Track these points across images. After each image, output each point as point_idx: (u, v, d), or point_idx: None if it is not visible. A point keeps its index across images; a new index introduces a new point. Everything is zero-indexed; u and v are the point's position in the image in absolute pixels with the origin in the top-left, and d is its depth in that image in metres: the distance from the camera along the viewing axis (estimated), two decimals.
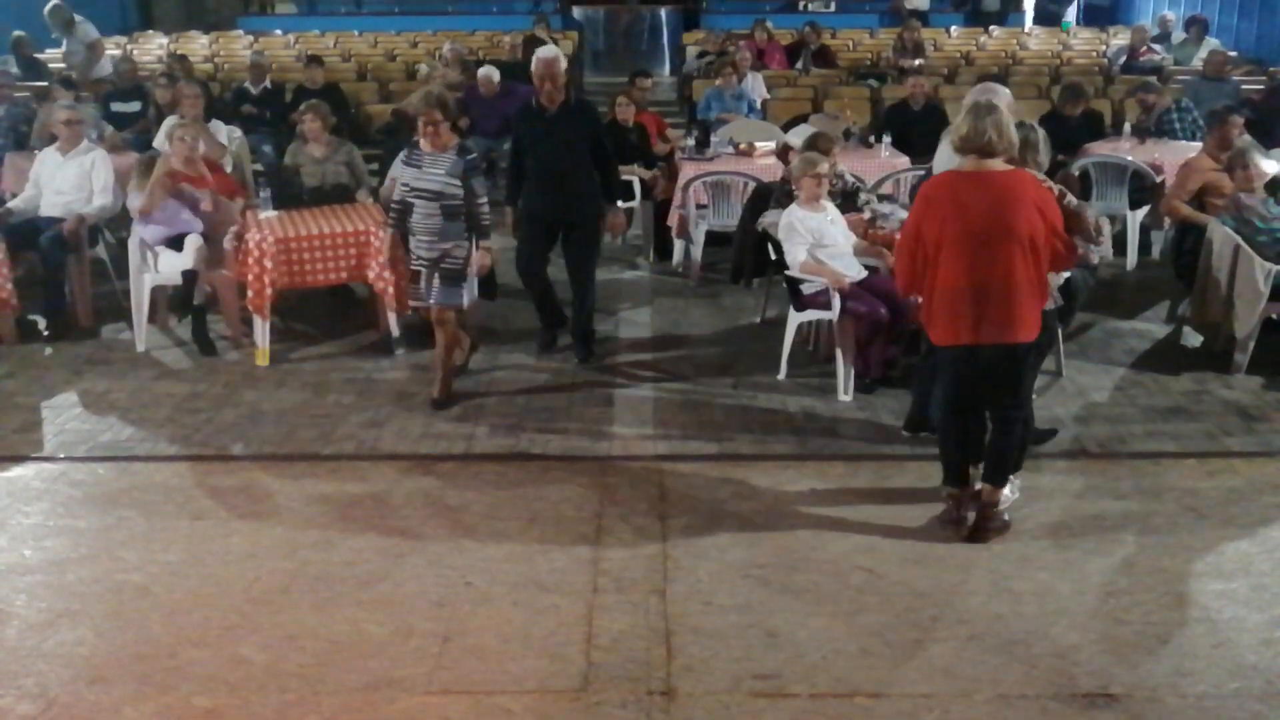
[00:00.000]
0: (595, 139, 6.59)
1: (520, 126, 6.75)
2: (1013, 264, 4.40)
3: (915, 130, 9.20)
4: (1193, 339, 6.93)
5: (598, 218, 6.68)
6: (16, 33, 13.15)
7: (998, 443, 4.71)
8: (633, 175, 8.97)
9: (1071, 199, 4.80)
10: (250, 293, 6.70)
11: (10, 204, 7.72)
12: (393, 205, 6.19)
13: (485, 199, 6.01)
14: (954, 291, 4.48)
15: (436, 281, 5.98)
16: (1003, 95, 5.05)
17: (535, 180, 6.60)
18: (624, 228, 6.96)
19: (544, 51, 6.56)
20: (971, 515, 4.74)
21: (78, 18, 13.12)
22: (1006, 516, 4.78)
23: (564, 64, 6.58)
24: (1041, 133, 4.90)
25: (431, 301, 6.02)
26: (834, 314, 6.11)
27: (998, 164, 4.45)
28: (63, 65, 13.06)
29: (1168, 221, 8.06)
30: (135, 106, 10.42)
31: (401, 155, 6.27)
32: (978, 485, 4.76)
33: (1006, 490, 4.90)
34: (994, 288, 4.43)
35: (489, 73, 11.01)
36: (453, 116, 6.18)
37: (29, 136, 9.70)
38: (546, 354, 6.87)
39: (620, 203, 9.04)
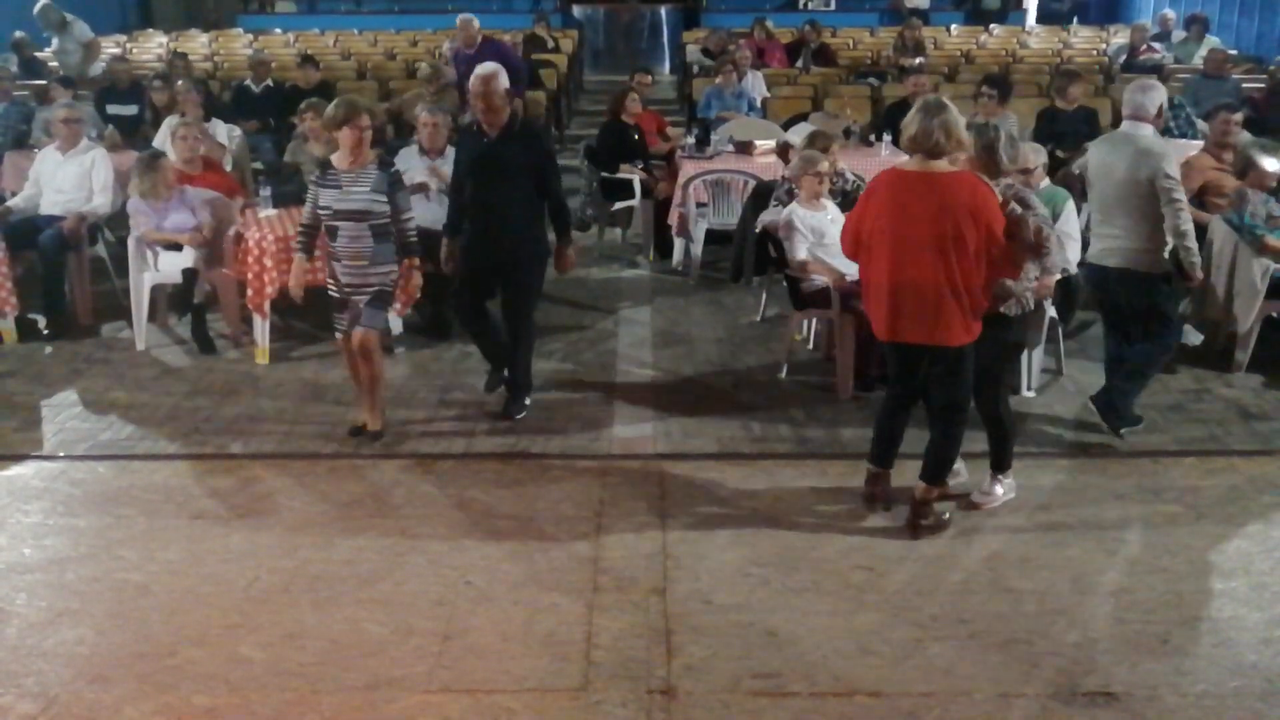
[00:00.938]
0: (540, 169, 5.69)
1: (459, 150, 6.04)
2: (935, 267, 4.38)
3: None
4: (1193, 337, 6.93)
5: (540, 260, 5.85)
6: (17, 33, 13.15)
7: (932, 442, 4.73)
8: (634, 174, 8.98)
9: (1016, 207, 4.50)
10: (250, 291, 6.70)
11: (10, 203, 7.72)
12: (302, 226, 5.62)
13: (412, 214, 5.57)
14: (877, 287, 4.59)
15: (364, 305, 5.47)
16: (1156, 93, 5.52)
17: (472, 214, 5.81)
18: (572, 266, 6.03)
19: (481, 67, 5.64)
20: (881, 499, 4.94)
21: (69, 17, 13.12)
22: (946, 516, 4.79)
23: (504, 81, 5.63)
24: (1005, 134, 4.67)
25: (360, 327, 5.48)
26: (834, 312, 6.11)
27: (942, 165, 4.41)
28: (56, 65, 13.06)
29: None
30: (132, 109, 10.40)
31: (313, 176, 5.56)
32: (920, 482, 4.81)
33: (999, 489, 4.94)
34: (912, 289, 4.45)
35: (466, 20, 10.46)
36: (379, 124, 5.70)
37: (28, 135, 9.71)
38: (494, 393, 6.17)
39: (619, 202, 9.16)
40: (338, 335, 5.67)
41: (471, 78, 5.63)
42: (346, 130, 5.35)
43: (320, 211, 5.45)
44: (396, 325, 6.97)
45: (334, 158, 5.46)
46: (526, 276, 5.79)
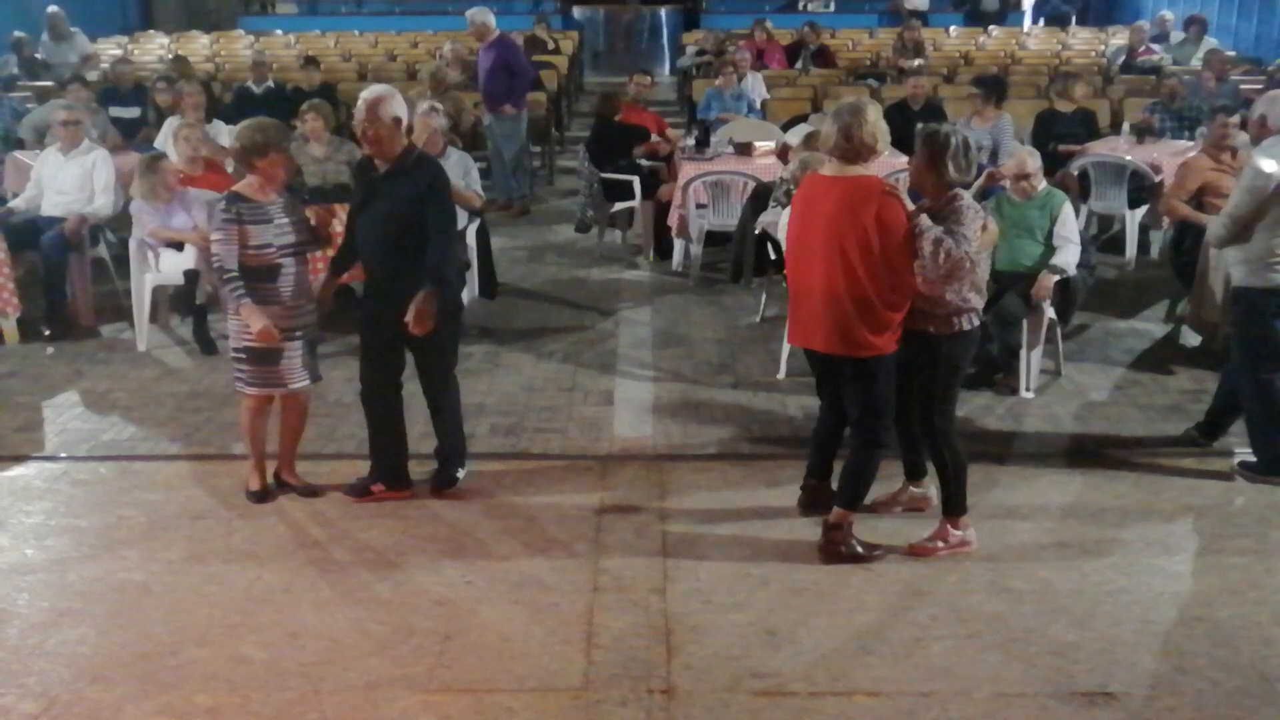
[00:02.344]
0: (420, 200, 4.76)
1: (353, 188, 5.35)
2: (832, 273, 4.26)
3: (914, 130, 9.19)
4: (1191, 338, 6.94)
5: (444, 313, 4.87)
6: (17, 33, 13.18)
7: (848, 462, 4.56)
8: (638, 172, 9.02)
9: (921, 220, 4.22)
10: None
11: (12, 204, 7.74)
12: (235, 278, 4.74)
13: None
14: (789, 292, 4.58)
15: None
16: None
17: (363, 265, 5.02)
18: (424, 319, 4.74)
19: (367, 91, 4.80)
20: (814, 508, 4.76)
21: (73, 29, 13.21)
22: (857, 547, 4.50)
23: (393, 107, 4.72)
24: (961, 140, 4.34)
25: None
26: None
27: (853, 170, 4.28)
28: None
29: (1166, 221, 8.08)
30: (135, 112, 10.41)
31: (228, 213, 4.75)
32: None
33: (949, 538, 4.55)
34: (810, 294, 4.39)
35: (476, 14, 10.29)
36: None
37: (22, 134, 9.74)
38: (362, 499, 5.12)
39: (619, 203, 9.18)
40: (253, 391, 4.94)
41: (358, 103, 4.82)
42: (276, 156, 4.81)
43: (259, 252, 4.76)
44: None
45: (249, 190, 4.82)
46: (428, 335, 4.83)
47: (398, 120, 4.75)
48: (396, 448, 5.11)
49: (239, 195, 4.80)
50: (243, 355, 4.90)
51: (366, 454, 5.54)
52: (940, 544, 4.55)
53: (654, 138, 9.53)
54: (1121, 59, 13.41)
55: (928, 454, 4.63)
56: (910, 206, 4.32)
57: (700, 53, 14.17)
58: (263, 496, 5.05)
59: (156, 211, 6.90)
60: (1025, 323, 6.13)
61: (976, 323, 4.45)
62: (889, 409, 4.47)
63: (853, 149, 4.26)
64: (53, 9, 13.20)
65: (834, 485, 4.69)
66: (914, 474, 4.89)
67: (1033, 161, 6.22)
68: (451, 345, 5.11)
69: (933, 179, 4.35)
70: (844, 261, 4.24)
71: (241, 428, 5.10)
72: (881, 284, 4.25)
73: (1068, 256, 6.16)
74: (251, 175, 4.85)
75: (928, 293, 4.26)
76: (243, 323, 4.81)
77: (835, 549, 4.51)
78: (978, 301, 4.44)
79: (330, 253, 5.43)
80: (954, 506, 4.57)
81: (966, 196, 4.39)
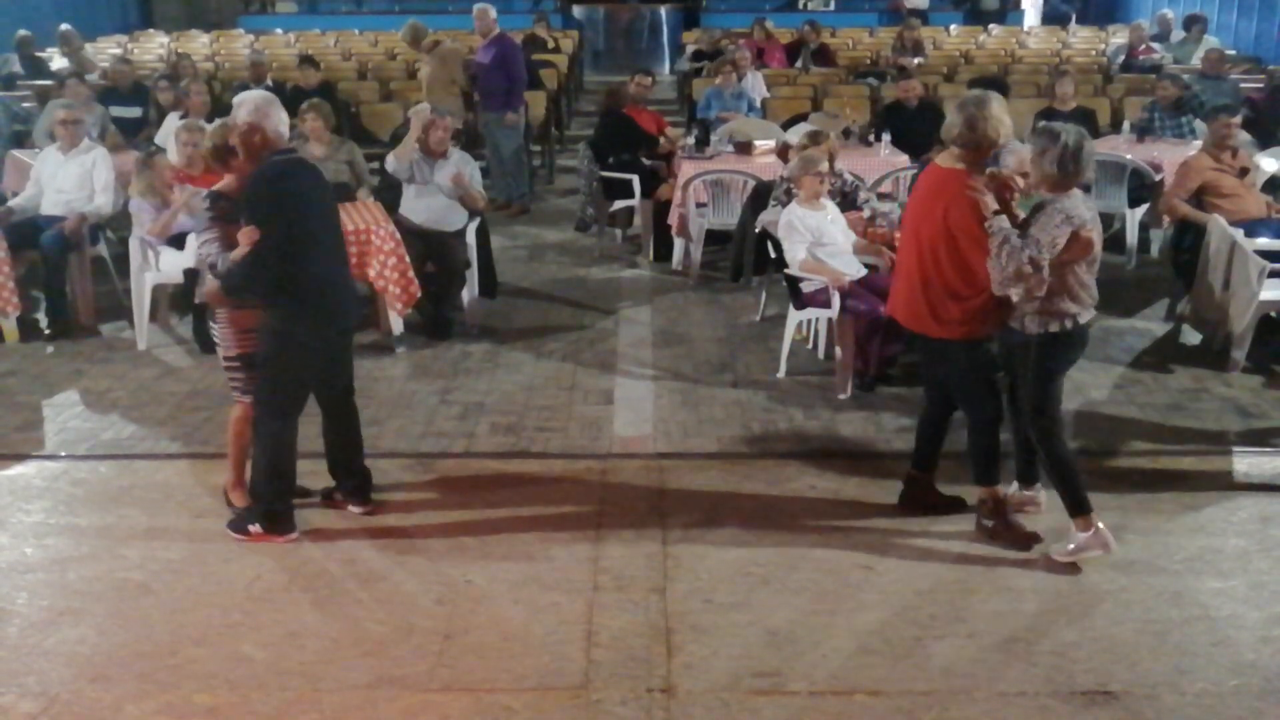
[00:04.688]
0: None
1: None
2: (912, 256, 4.56)
3: (913, 129, 9.21)
4: (1191, 337, 6.94)
5: (275, 335, 4.57)
6: (21, 32, 13.18)
7: (967, 445, 4.76)
8: (632, 173, 9.02)
9: (995, 221, 4.27)
10: None
11: (11, 203, 7.73)
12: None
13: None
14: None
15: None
16: None
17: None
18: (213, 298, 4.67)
19: (242, 96, 4.61)
20: (907, 502, 4.93)
21: (81, 43, 13.28)
22: (990, 523, 4.66)
23: (254, 117, 4.47)
24: (1072, 142, 4.23)
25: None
26: (833, 312, 6.12)
27: (956, 163, 4.44)
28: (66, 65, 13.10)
29: (1166, 220, 8.07)
30: (135, 111, 10.40)
31: (214, 212, 4.67)
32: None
33: (1072, 542, 4.49)
34: (899, 269, 4.76)
35: (481, 10, 10.25)
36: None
37: (26, 136, 9.72)
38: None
39: (619, 201, 9.18)
40: (248, 400, 4.80)
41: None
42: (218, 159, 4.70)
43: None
44: (397, 325, 6.98)
45: (228, 189, 4.69)
46: (260, 365, 4.64)
47: (252, 126, 4.52)
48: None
49: (220, 194, 4.73)
50: (235, 363, 4.82)
51: (366, 453, 5.55)
52: (1070, 547, 4.49)
53: (661, 140, 9.52)
54: (1122, 58, 13.40)
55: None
56: (991, 207, 4.36)
57: (697, 54, 14.15)
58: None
59: (155, 210, 6.89)
60: None
61: (1070, 326, 4.37)
62: (975, 395, 4.60)
63: (975, 139, 4.38)
64: (64, 27, 13.27)
65: (935, 481, 4.92)
66: (1024, 478, 4.88)
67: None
68: (280, 378, 4.62)
69: (1036, 174, 4.40)
70: (919, 245, 4.50)
71: (230, 435, 4.96)
72: (948, 273, 4.43)
73: None
74: (227, 175, 4.77)
75: (996, 292, 4.35)
76: (235, 330, 4.73)
77: (981, 525, 4.71)
78: (1073, 307, 4.36)
79: None
80: (1070, 506, 4.50)
81: (1061, 202, 4.28)
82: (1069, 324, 4.37)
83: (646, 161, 9.25)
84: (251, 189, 4.49)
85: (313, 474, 5.12)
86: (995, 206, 4.37)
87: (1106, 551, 4.44)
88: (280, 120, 4.57)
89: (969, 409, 4.66)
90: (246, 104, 4.56)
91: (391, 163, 7.36)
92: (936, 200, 4.44)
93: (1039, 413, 4.48)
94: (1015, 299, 4.33)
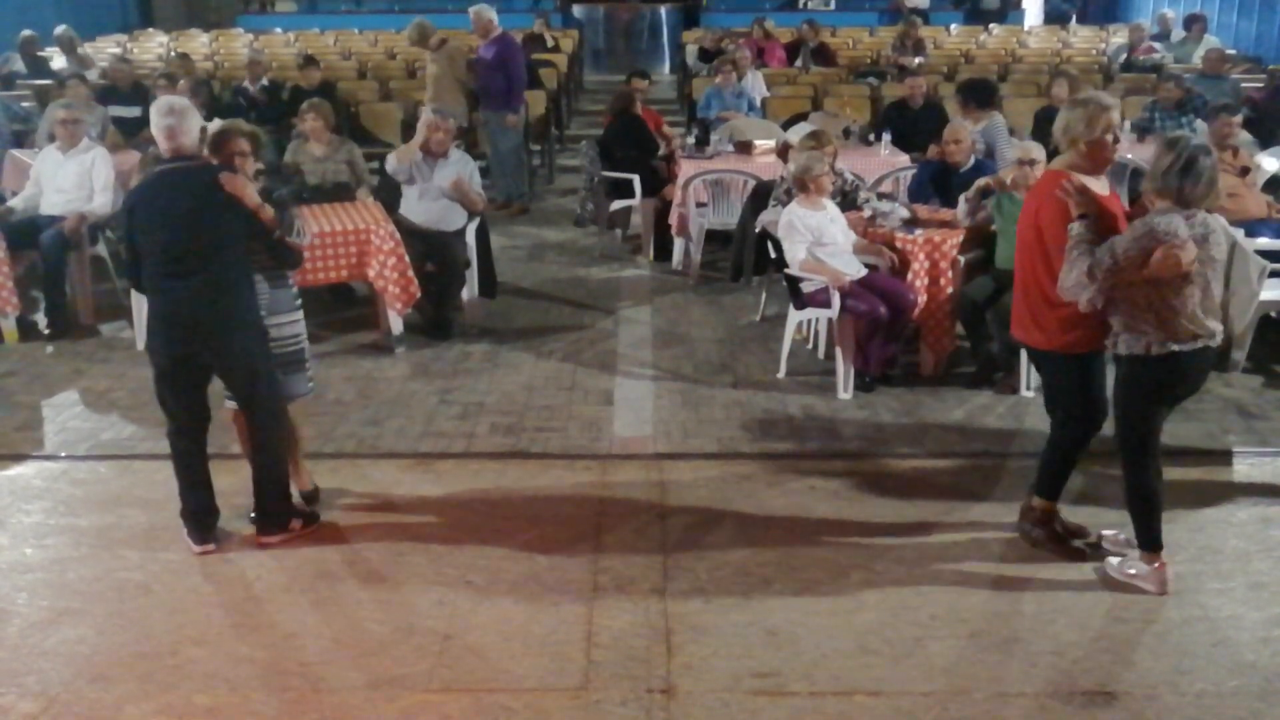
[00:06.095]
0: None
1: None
2: (1020, 262, 4.46)
3: (915, 129, 9.20)
4: None
5: (246, 330, 4.66)
6: (25, 32, 13.18)
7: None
8: (634, 173, 9.02)
9: (1074, 226, 4.10)
10: None
11: (11, 202, 7.73)
12: None
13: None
14: None
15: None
16: None
17: None
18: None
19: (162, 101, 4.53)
20: (1049, 539, 4.62)
21: (77, 42, 13.28)
22: (1036, 533, 4.58)
23: (178, 121, 4.40)
24: (1184, 157, 3.98)
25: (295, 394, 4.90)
26: (834, 312, 6.12)
27: (1064, 165, 4.34)
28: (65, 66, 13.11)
29: None
30: (135, 111, 10.40)
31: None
32: None
33: (1131, 568, 4.37)
34: (1018, 279, 4.52)
35: (478, 11, 10.22)
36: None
37: (26, 135, 9.72)
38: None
39: (619, 201, 9.17)
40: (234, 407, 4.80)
41: None
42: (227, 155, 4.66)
43: None
44: (397, 325, 6.98)
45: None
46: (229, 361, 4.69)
47: (202, 130, 4.55)
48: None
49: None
50: None
51: (366, 453, 5.55)
52: (1131, 571, 4.35)
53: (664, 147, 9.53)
54: (1122, 57, 13.40)
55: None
56: (1080, 208, 4.14)
57: (703, 53, 14.17)
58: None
59: None
60: None
61: (1158, 352, 4.09)
62: (1066, 410, 4.46)
63: (1062, 143, 4.35)
64: (63, 27, 13.27)
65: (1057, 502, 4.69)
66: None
67: (1038, 150, 6.20)
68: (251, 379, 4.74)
69: (1149, 184, 4.16)
70: (1023, 248, 4.43)
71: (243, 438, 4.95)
72: (1042, 278, 4.31)
73: None
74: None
75: (1062, 296, 4.15)
76: None
77: (1022, 530, 4.66)
78: (1158, 333, 4.07)
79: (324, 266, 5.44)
80: (1141, 539, 4.33)
81: (1158, 220, 3.99)
82: (1155, 349, 4.08)
83: (660, 160, 9.24)
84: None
85: (313, 474, 5.13)
86: (1085, 209, 4.13)
87: (1160, 593, 4.25)
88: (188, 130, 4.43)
89: (1055, 421, 4.55)
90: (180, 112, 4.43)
91: (391, 164, 7.36)
92: (1033, 200, 4.40)
93: (1126, 438, 4.27)
94: (1082, 308, 4.13)
